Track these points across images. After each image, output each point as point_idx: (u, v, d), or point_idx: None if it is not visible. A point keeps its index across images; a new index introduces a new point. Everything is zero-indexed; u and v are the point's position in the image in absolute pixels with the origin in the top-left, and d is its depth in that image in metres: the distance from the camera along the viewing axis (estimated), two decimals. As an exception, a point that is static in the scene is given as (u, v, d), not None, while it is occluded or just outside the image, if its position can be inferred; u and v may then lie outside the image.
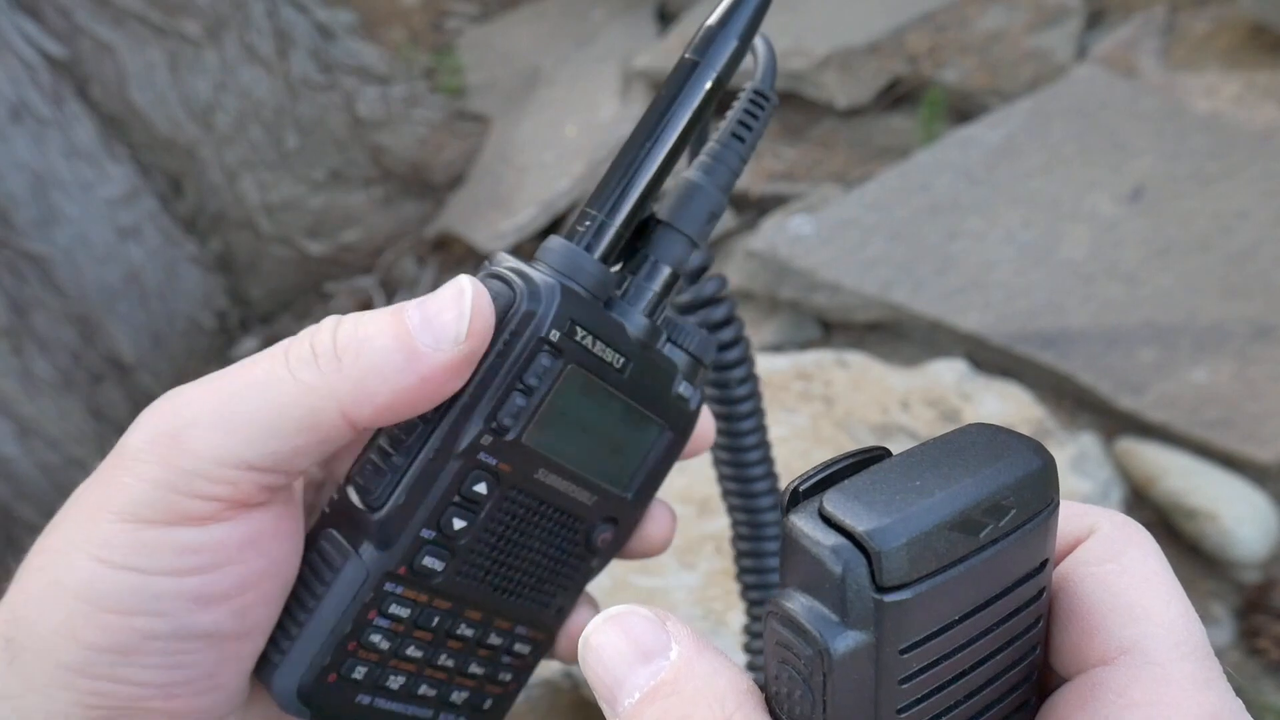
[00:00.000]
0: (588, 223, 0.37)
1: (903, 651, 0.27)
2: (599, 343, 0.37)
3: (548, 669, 1.34)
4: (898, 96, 2.64)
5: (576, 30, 3.30)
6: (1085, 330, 1.82)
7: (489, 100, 3.19)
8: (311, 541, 0.37)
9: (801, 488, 0.29)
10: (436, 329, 0.33)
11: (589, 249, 0.37)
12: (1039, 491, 0.29)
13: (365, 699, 0.38)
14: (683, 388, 0.40)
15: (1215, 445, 1.65)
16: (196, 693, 0.34)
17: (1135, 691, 0.29)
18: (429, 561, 0.37)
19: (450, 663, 0.39)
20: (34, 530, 0.35)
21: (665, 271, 0.39)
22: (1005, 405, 1.58)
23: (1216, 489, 1.60)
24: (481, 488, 0.36)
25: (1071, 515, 0.33)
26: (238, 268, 2.54)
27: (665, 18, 3.24)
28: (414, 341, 0.33)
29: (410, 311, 0.34)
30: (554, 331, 0.35)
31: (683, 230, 0.39)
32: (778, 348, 2.06)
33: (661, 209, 0.39)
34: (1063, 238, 1.99)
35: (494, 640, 0.40)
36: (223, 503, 0.33)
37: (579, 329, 0.36)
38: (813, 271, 2.02)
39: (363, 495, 0.36)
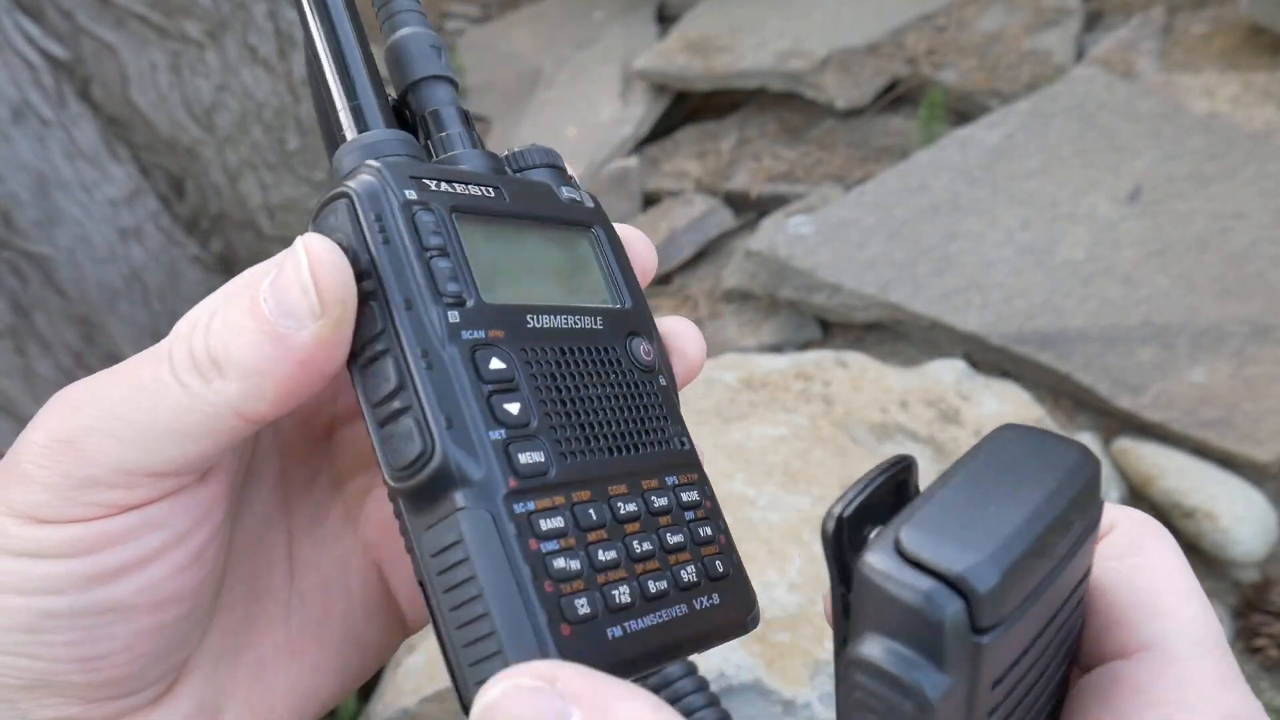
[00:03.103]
0: (347, 118, 0.37)
1: (994, 686, 0.26)
2: (456, 184, 0.35)
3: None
4: (897, 97, 2.65)
5: (577, 32, 3.31)
6: (1083, 330, 1.83)
7: (490, 101, 3.20)
8: (412, 549, 0.33)
9: (845, 513, 0.28)
10: (291, 310, 0.32)
11: (369, 129, 0.37)
12: (1092, 499, 0.29)
13: (615, 631, 0.33)
14: (564, 192, 0.39)
15: (1213, 445, 1.65)
16: (117, 665, 0.34)
17: (1155, 689, 0.29)
18: (527, 458, 0.33)
19: (647, 545, 0.35)
20: None
21: (449, 111, 0.38)
22: (1004, 405, 1.59)
23: (1214, 488, 1.60)
24: (497, 363, 0.34)
25: None
26: (239, 268, 2.54)
27: (665, 19, 3.25)
28: (277, 329, 0.32)
29: (264, 294, 0.32)
30: (407, 192, 0.34)
31: (428, 74, 0.39)
32: (777, 348, 2.06)
33: (399, 79, 0.39)
34: (1061, 238, 2.00)
35: (660, 501, 0.36)
36: (121, 506, 0.33)
37: (427, 180, 0.35)
38: (812, 271, 2.02)
39: (410, 465, 0.32)
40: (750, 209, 2.52)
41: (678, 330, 0.41)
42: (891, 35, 2.70)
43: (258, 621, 0.39)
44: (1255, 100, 2.20)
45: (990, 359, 1.88)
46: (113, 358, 2.20)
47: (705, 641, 0.36)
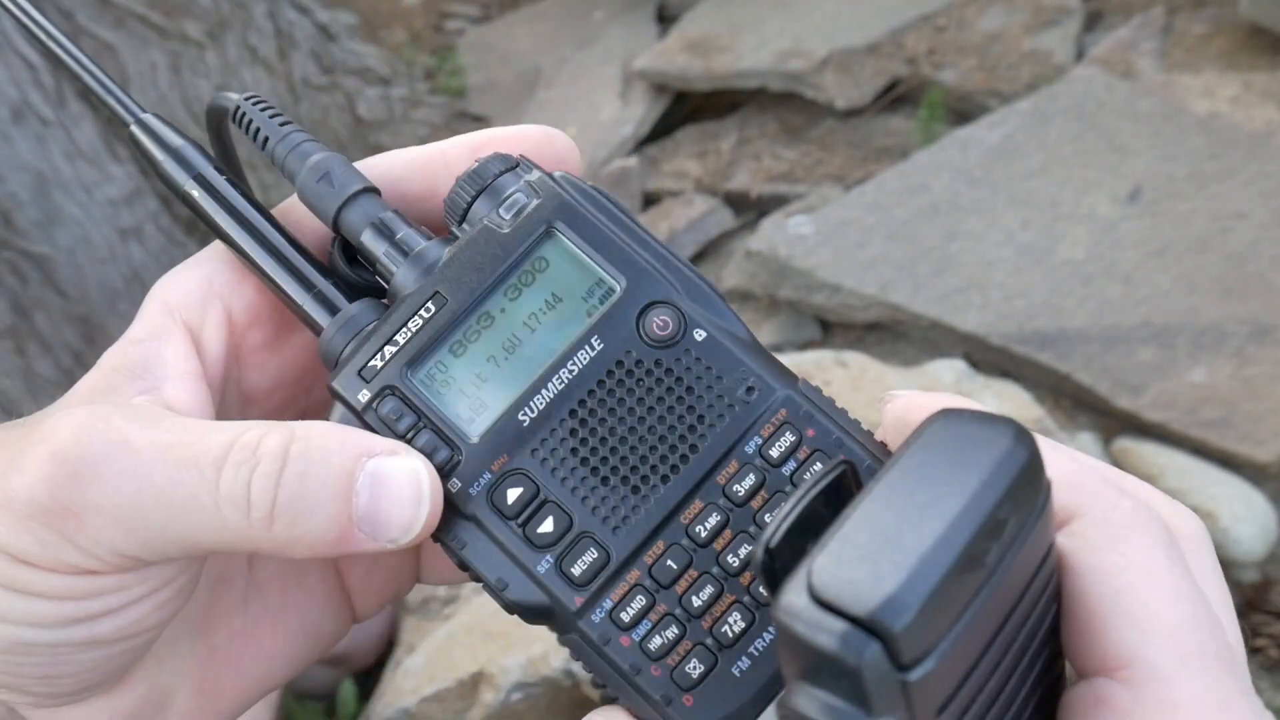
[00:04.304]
0: (315, 308, 0.38)
1: (939, 713, 0.25)
2: (399, 336, 0.35)
3: (547, 667, 1.34)
4: (897, 97, 2.65)
5: (577, 31, 3.31)
6: (1083, 330, 1.83)
7: (490, 101, 3.20)
8: None
9: (773, 544, 0.26)
10: (380, 527, 0.32)
11: (335, 312, 0.37)
12: (1031, 485, 0.26)
13: (742, 663, 0.33)
14: (509, 204, 0.37)
15: (1213, 445, 1.65)
16: (80, 680, 0.34)
17: (1139, 713, 0.27)
18: (580, 565, 0.33)
19: (746, 548, 0.34)
20: None
21: (387, 215, 0.38)
22: (1004, 405, 1.59)
23: (1214, 488, 1.60)
24: (514, 492, 0.34)
25: (1063, 483, 0.29)
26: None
27: (665, 19, 3.25)
28: (354, 530, 0.32)
29: (361, 487, 0.32)
30: (361, 396, 0.35)
31: (353, 190, 0.38)
32: (777, 348, 2.06)
33: (326, 208, 0.39)
34: (1061, 238, 2.00)
35: (747, 483, 0.34)
36: (108, 572, 0.33)
37: (374, 363, 0.35)
38: (812, 271, 2.02)
39: (520, 615, 0.34)
40: (750, 209, 2.51)
41: (541, 140, 0.38)
42: (891, 35, 2.69)
43: (215, 609, 0.39)
44: (1255, 100, 2.20)
45: (990, 359, 1.88)
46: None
47: None
